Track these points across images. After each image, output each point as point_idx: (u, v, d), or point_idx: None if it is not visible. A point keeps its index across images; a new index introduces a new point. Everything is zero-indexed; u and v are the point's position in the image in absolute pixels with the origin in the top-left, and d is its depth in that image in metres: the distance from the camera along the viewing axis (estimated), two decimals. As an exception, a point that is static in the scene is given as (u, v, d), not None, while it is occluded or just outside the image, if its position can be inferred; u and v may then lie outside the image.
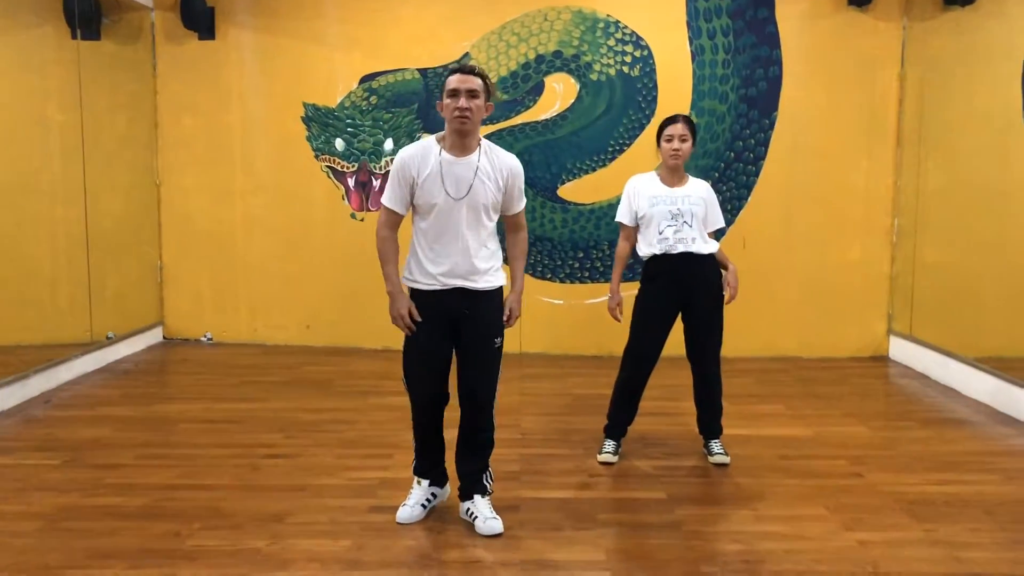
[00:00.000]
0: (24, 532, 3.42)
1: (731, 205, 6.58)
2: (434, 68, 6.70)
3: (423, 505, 3.58)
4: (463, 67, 3.30)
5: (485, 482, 3.55)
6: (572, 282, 6.72)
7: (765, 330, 6.65)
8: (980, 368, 5.60)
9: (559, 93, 6.58)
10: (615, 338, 6.76)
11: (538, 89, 6.59)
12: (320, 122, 6.84)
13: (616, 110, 6.51)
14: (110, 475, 4.06)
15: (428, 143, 3.36)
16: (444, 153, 3.31)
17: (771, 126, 6.53)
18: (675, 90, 6.50)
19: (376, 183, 6.83)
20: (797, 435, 4.78)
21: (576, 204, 6.67)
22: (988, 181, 6.01)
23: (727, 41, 6.47)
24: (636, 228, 4.25)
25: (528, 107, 6.61)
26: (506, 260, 3.54)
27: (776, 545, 3.35)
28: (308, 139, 6.88)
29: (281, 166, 6.94)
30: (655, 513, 3.66)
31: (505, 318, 3.48)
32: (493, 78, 6.64)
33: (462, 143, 3.30)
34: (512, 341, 6.69)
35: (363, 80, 6.77)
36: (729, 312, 6.52)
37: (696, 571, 3.12)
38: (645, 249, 4.20)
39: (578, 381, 5.96)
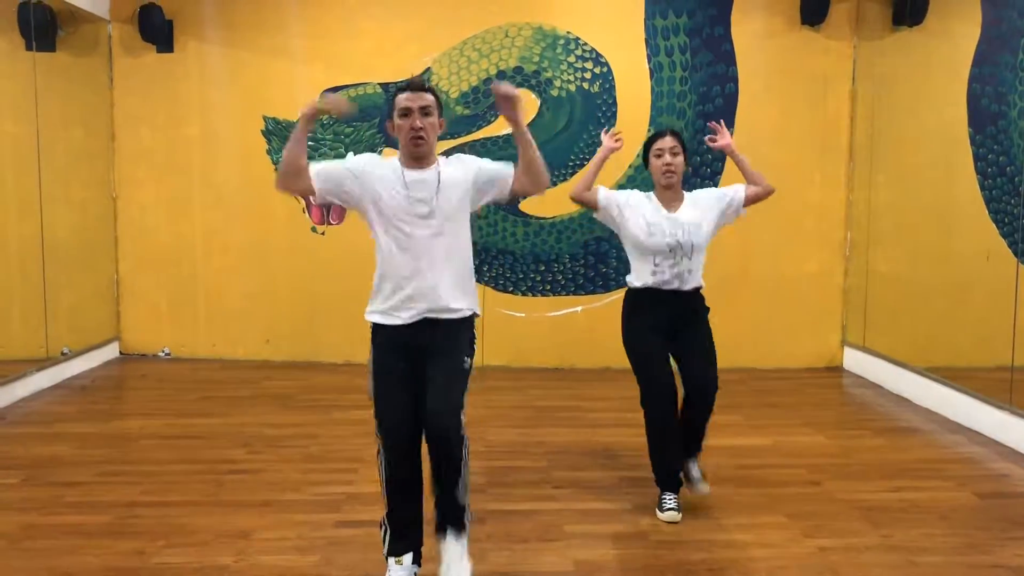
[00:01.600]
0: (-16, 552, 3.37)
1: (689, 219, 6.69)
2: (396, 82, 6.72)
3: None
4: (412, 83, 3.01)
5: (460, 504, 3.04)
6: (534, 295, 6.78)
7: (722, 341, 6.70)
8: (930, 378, 5.75)
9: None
10: (576, 351, 6.87)
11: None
12: (281, 136, 6.82)
13: (576, 125, 6.59)
14: (70, 493, 4.00)
15: (386, 159, 3.10)
16: (405, 169, 3.01)
17: (728, 142, 6.65)
18: (634, 106, 6.60)
19: (337, 197, 6.82)
20: (756, 444, 4.88)
21: (537, 218, 6.73)
22: (935, 195, 6.20)
23: (684, 59, 6.60)
24: (597, 201, 3.86)
25: (489, 122, 6.67)
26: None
27: (739, 553, 3.42)
28: (269, 153, 6.86)
29: (241, 180, 6.90)
30: (621, 523, 3.72)
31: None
32: (454, 94, 6.69)
33: (420, 163, 3.01)
34: (478, 353, 6.72)
35: (324, 94, 6.77)
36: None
37: (662, 580, 3.18)
38: (634, 280, 3.83)
39: (540, 393, 6.00)
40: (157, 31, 6.73)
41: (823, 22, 6.55)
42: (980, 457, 4.66)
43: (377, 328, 3.11)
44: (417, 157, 3.01)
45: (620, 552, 3.42)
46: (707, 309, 3.90)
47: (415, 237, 2.97)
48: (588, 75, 6.61)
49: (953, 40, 6.32)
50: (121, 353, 7.12)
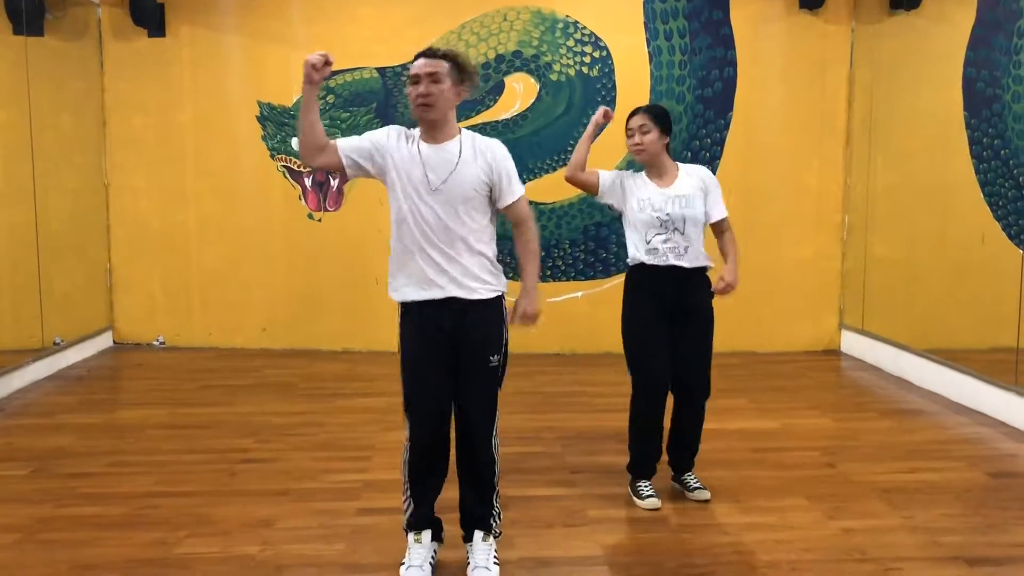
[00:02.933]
0: (2, 545, 3.30)
1: (688, 204, 6.70)
2: (393, 67, 6.66)
3: (431, 563, 3.07)
4: (427, 50, 2.96)
5: (493, 509, 3.12)
6: (534, 281, 6.75)
7: (722, 325, 6.71)
8: (931, 359, 5.80)
9: (519, 93, 6.60)
10: (577, 337, 6.86)
11: (498, 89, 6.61)
12: (276, 121, 6.74)
13: (576, 110, 6.56)
14: (83, 484, 3.94)
15: (407, 131, 3.05)
16: (422, 143, 2.97)
17: (726, 126, 6.67)
18: (633, 90, 6.57)
19: (334, 183, 6.76)
20: (766, 428, 4.89)
21: (537, 203, 6.70)
22: (932, 178, 6.24)
23: (684, 42, 6.59)
24: (597, 184, 3.81)
25: (488, 107, 6.62)
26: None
27: (764, 536, 3.43)
28: (264, 139, 6.78)
29: (236, 166, 6.82)
30: (641, 508, 3.71)
31: (511, 318, 3.13)
32: (452, 77, 6.62)
33: (434, 133, 2.96)
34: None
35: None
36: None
37: (691, 563, 3.18)
38: (632, 252, 3.77)
39: (545, 379, 5.99)
40: (149, 15, 6.62)
41: (821, 6, 6.56)
42: (987, 437, 4.71)
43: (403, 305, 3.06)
44: (428, 125, 2.95)
45: (645, 536, 3.42)
46: (711, 294, 3.80)
47: (424, 212, 2.93)
48: (587, 59, 6.57)
49: (949, 24, 6.35)
50: (115, 342, 7.02)
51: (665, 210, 3.66)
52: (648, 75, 6.60)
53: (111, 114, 6.83)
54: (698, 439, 3.85)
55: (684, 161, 6.66)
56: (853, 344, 6.78)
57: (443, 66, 2.91)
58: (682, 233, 3.67)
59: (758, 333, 6.84)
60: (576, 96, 6.59)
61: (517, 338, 6.62)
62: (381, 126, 6.51)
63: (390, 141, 3.00)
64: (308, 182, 6.78)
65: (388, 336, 6.75)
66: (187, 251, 6.90)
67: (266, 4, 6.68)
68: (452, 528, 3.23)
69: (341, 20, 6.65)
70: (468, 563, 3.07)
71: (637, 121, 3.75)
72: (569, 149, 6.60)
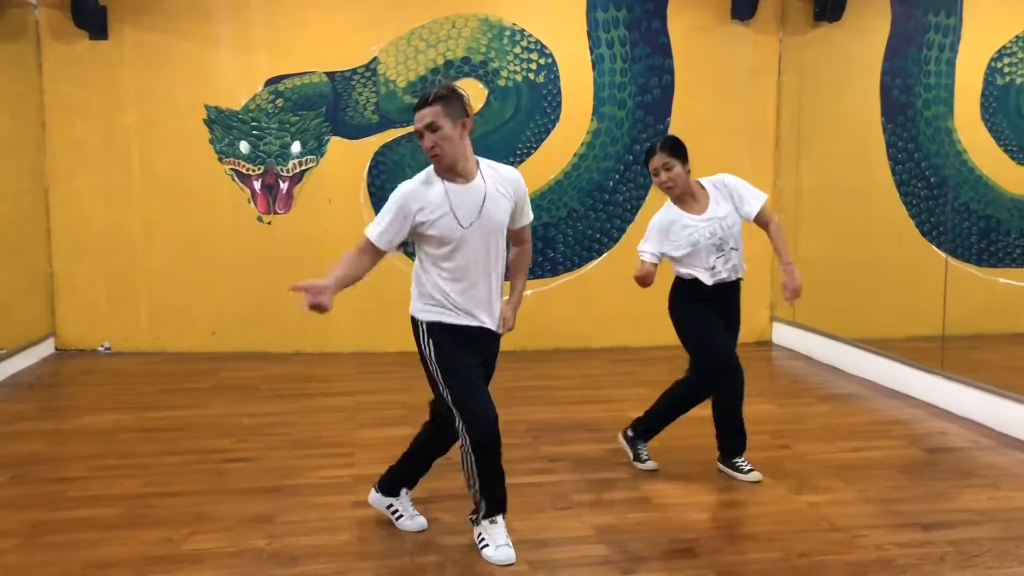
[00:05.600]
0: (5, 550, 3.32)
1: (630, 205, 7.01)
2: (342, 72, 6.75)
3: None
4: (418, 100, 3.11)
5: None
6: (484, 280, 6.93)
7: (665, 320, 7.09)
8: (860, 347, 6.25)
9: (467, 98, 6.77)
10: (526, 334, 7.04)
11: (447, 94, 6.77)
12: (224, 124, 6.75)
13: (523, 115, 6.79)
14: (69, 488, 3.96)
15: (428, 175, 3.17)
16: (447, 183, 3.12)
17: (665, 131, 6.99)
18: (578, 97, 6.84)
19: (284, 185, 6.81)
20: (719, 415, 5.20)
21: (487, 205, 6.89)
22: (854, 179, 6.71)
23: (624, 51, 6.88)
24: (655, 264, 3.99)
25: (438, 111, 6.77)
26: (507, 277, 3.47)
27: (739, 512, 3.72)
28: (211, 142, 6.77)
29: (183, 169, 6.79)
30: (622, 491, 3.96)
31: (498, 327, 3.38)
32: (401, 83, 6.77)
33: (456, 173, 3.12)
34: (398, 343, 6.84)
35: (269, 83, 6.73)
36: (635, 305, 6.91)
37: (679, 537, 3.43)
38: (688, 271, 3.99)
39: (504, 376, 6.13)
40: (90, 17, 6.53)
41: (752, 17, 6.95)
42: (919, 418, 5.14)
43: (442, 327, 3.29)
44: (447, 169, 3.11)
45: (632, 516, 3.66)
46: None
47: (463, 248, 3.15)
48: (534, 66, 6.81)
49: (867, 36, 6.83)
50: (57, 349, 6.90)
51: (716, 233, 3.91)
52: (592, 82, 6.87)
53: (51, 117, 6.71)
54: (741, 411, 4.17)
55: (627, 164, 7.01)
56: (784, 335, 7.21)
57: (436, 110, 3.03)
58: (736, 250, 3.97)
59: (697, 327, 7.18)
60: (523, 101, 6.81)
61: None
62: (331, 130, 6.71)
63: (413, 208, 3.13)
64: (257, 185, 6.81)
65: (340, 338, 6.89)
66: (132, 255, 6.83)
67: (212, 7, 6.68)
68: (451, 516, 3.40)
69: (290, 24, 6.70)
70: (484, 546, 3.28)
71: (659, 161, 3.90)
72: (517, 152, 6.82)
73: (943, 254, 6.20)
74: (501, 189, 3.19)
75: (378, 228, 3.16)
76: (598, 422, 5.00)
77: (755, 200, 4.02)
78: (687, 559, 3.25)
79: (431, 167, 3.19)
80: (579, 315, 7.10)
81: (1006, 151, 6.61)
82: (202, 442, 4.64)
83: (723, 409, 4.12)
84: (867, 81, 6.69)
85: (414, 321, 3.30)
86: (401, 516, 3.50)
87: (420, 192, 3.14)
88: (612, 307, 7.05)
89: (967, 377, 5.24)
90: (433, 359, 3.23)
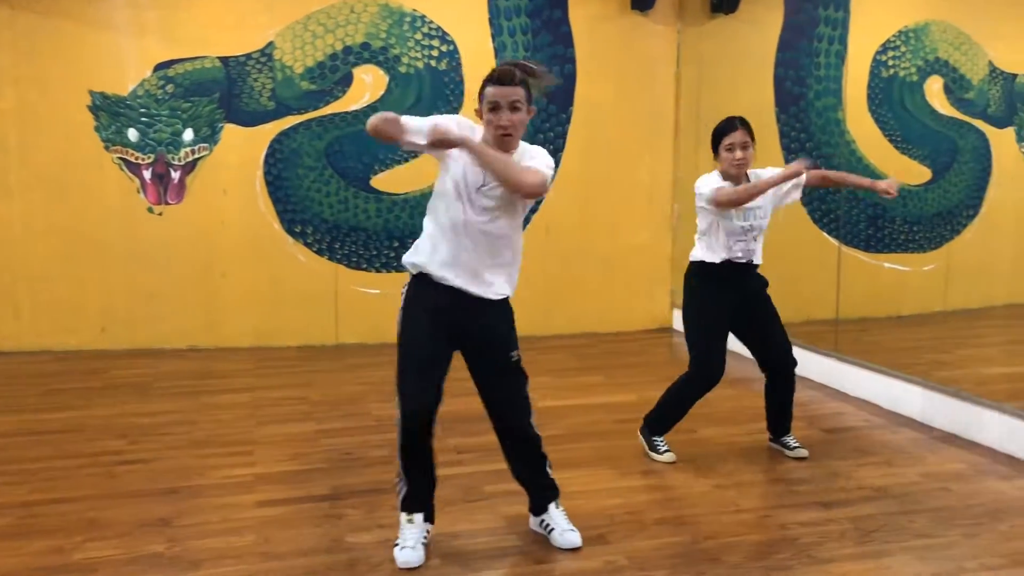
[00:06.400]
0: None
1: (534, 193, 7.01)
2: (236, 57, 6.51)
3: (423, 543, 3.14)
4: (503, 75, 2.95)
5: (551, 478, 3.34)
6: (388, 271, 6.83)
7: (569, 308, 7.16)
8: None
9: (368, 84, 6.65)
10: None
11: (347, 80, 6.62)
12: (110, 111, 6.43)
13: (425, 102, 6.69)
14: (-54, 498, 3.70)
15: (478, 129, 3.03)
16: None
17: (568, 120, 7.02)
18: (480, 83, 6.77)
19: (175, 175, 6.53)
20: (625, 401, 5.26)
21: (389, 194, 6.79)
22: (750, 169, 6.86)
23: (526, 39, 6.86)
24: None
25: (337, 98, 6.62)
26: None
27: (648, 496, 3.75)
28: (97, 130, 6.44)
29: (66, 158, 6.43)
30: (660, 461, 4.01)
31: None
32: (299, 69, 6.58)
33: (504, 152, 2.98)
34: (328, 332, 6.70)
35: (158, 67, 6.44)
36: (538, 294, 6.95)
37: (590, 524, 3.43)
38: (703, 254, 4.07)
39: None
40: (-40, -5, 6.12)
41: (651, 8, 7.02)
42: (816, 399, 5.30)
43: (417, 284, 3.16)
44: (504, 150, 2.97)
45: (543, 505, 3.65)
46: (766, 283, 4.23)
47: (473, 223, 3.02)
48: (435, 52, 6.72)
49: (762, 28, 7.01)
50: (-71, 350, 6.47)
51: (749, 219, 4.01)
52: (494, 69, 6.82)
53: (-83, 101, 6.27)
54: (792, 400, 4.31)
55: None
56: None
57: (521, 93, 2.95)
58: (757, 240, 4.07)
59: (600, 315, 7.25)
60: (425, 88, 6.72)
61: (371, 329, 6.70)
62: (225, 117, 6.48)
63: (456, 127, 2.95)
64: (147, 174, 6.52)
65: (237, 332, 6.67)
66: (11, 248, 6.44)
67: (95, -12, 6.35)
68: (359, 513, 3.32)
69: (180, 6, 6.42)
70: (550, 530, 3.27)
71: (740, 137, 3.96)
72: (419, 141, 6.72)
73: (835, 241, 6.42)
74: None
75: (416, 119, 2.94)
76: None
77: (794, 188, 4.20)
78: (599, 546, 3.25)
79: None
80: (484, 305, 7.05)
81: (891, 141, 6.90)
82: (93, 444, 4.41)
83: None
84: (762, 72, 6.87)
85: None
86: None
87: (467, 126, 3.02)
88: (518, 297, 7.00)
89: (858, 359, 5.44)
90: (399, 319, 3.15)
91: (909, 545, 3.26)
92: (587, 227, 7.15)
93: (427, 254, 3.10)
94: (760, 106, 6.79)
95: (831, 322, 5.89)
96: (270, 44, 6.54)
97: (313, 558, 3.15)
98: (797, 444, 4.28)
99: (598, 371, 5.95)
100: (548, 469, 3.35)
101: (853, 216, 6.82)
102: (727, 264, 4.04)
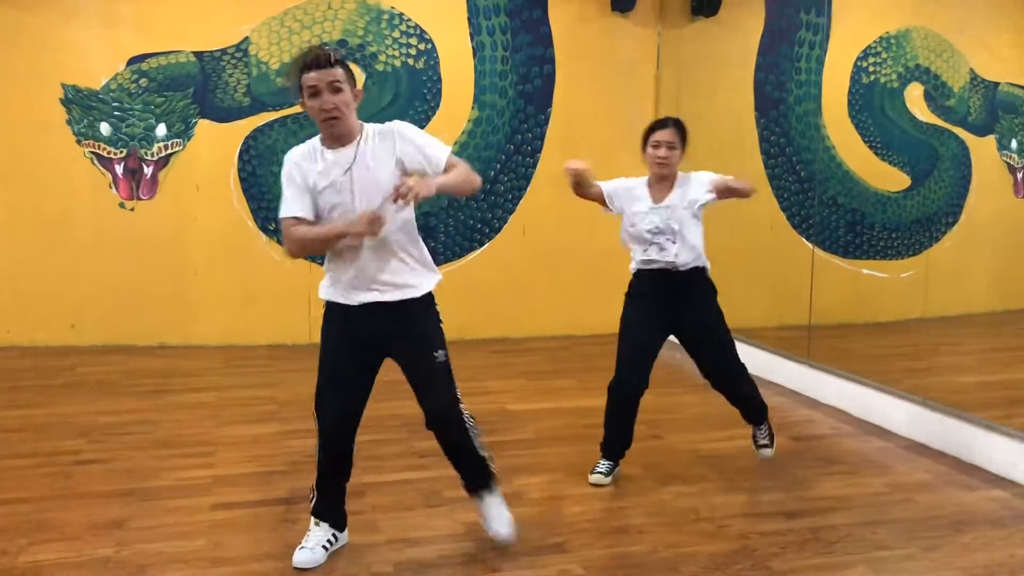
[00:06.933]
0: None
1: (511, 195, 6.96)
2: (211, 52, 6.45)
3: (324, 547, 3.14)
4: (318, 57, 2.82)
5: (487, 465, 3.24)
6: (362, 271, 6.76)
7: (544, 310, 7.12)
8: (734, 337, 6.35)
9: (345, 82, 6.58)
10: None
11: (323, 77, 6.55)
12: (82, 105, 6.35)
13: (402, 101, 6.64)
14: None
15: (312, 143, 2.97)
16: (327, 151, 2.92)
17: (546, 121, 6.98)
18: (458, 84, 6.74)
19: (148, 170, 6.46)
20: (595, 405, 5.12)
21: (364, 193, 6.72)
22: (728, 170, 6.75)
23: (505, 39, 6.82)
24: (602, 196, 4.03)
25: (313, 95, 6.55)
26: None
27: (609, 504, 3.72)
28: (69, 123, 6.36)
29: (37, 151, 6.35)
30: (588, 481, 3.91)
31: (397, 187, 2.78)
32: (274, 65, 6.52)
33: (339, 141, 2.91)
34: (301, 331, 6.64)
35: (131, 61, 6.37)
36: (513, 295, 6.91)
37: (551, 534, 3.39)
38: (632, 264, 3.97)
39: (382, 367, 6.04)
40: (-70, -16, 6.04)
41: (631, 9, 6.98)
42: (786, 406, 5.27)
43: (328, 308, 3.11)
44: (335, 136, 2.90)
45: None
46: (713, 290, 3.97)
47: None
48: (413, 51, 6.66)
49: (743, 32, 6.98)
50: None
51: (657, 223, 3.79)
52: (472, 69, 6.78)
53: None
54: (751, 394, 4.13)
55: (508, 154, 6.95)
56: (662, 326, 7.30)
57: (340, 73, 2.84)
58: (673, 243, 3.78)
59: (576, 317, 7.21)
60: (402, 87, 6.66)
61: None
62: (199, 113, 6.41)
63: (301, 173, 2.93)
64: (119, 169, 6.44)
65: (206, 330, 6.60)
66: (-21, 243, 6.37)
67: (68, -21, 6.27)
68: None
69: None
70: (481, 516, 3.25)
71: (667, 136, 3.77)
72: (395, 140, 6.67)
73: (811, 246, 6.39)
74: (378, 147, 2.92)
75: (289, 202, 2.94)
76: (475, 414, 4.91)
77: (706, 182, 3.84)
78: (556, 554, 3.21)
79: (314, 139, 2.98)
80: (459, 305, 6.97)
81: (871, 147, 6.87)
82: (51, 443, 4.34)
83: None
84: (741, 76, 6.83)
85: None
86: None
87: (304, 155, 2.96)
88: (493, 298, 7.00)
89: (830, 366, 5.41)
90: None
91: (870, 556, 3.23)
92: (564, 228, 7.10)
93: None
94: (740, 110, 6.76)
95: (804, 328, 5.86)
96: (246, 39, 6.48)
97: (264, 563, 3.10)
98: (765, 442, 4.18)
99: (571, 374, 5.91)
100: (477, 448, 3.24)
101: (831, 222, 6.79)
102: (643, 273, 3.89)
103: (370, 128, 2.98)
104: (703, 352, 4.03)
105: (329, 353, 3.11)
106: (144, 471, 3.98)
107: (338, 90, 2.84)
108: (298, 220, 2.93)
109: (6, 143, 6.31)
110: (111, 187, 6.47)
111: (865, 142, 6.84)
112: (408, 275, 3.05)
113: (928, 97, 6.88)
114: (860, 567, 3.13)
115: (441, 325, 3.18)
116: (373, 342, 3.07)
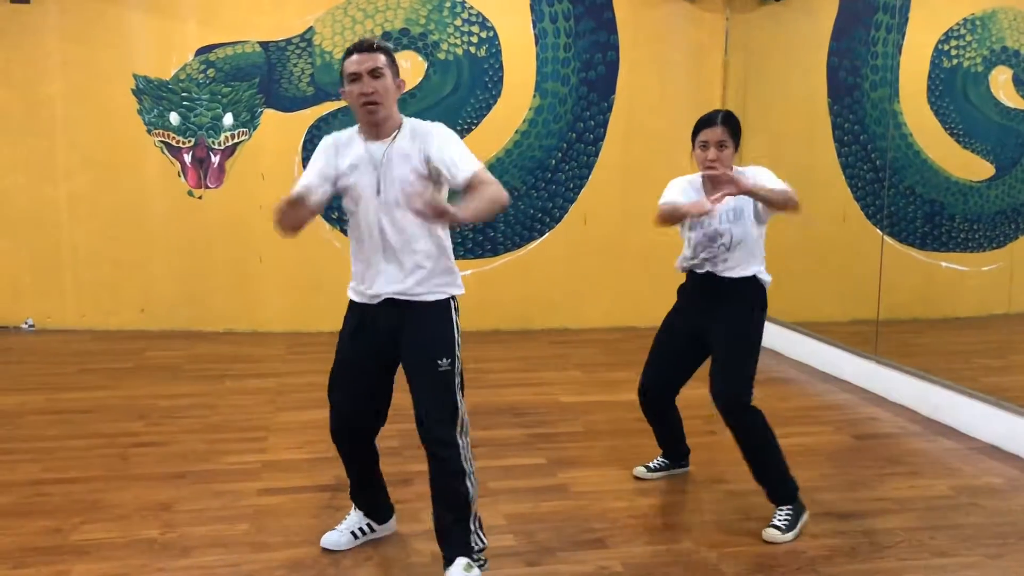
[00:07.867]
0: None
1: (572, 184, 6.88)
2: (276, 41, 6.53)
3: (354, 533, 3.15)
4: (361, 44, 2.80)
5: (470, 538, 2.91)
6: (422, 259, 6.78)
7: (605, 301, 7.03)
8: (798, 331, 6.19)
9: (407, 71, 6.59)
10: (467, 315, 6.90)
11: (385, 66, 6.57)
12: (153, 95, 6.50)
13: (464, 90, 6.62)
14: (-39, 474, 3.77)
15: (351, 131, 2.91)
16: (363, 142, 2.85)
17: (609, 109, 6.87)
18: (520, 71, 6.68)
19: (215, 159, 6.59)
20: (651, 399, 5.11)
21: (425, 182, 6.73)
22: (799, 161, 6.63)
23: (568, 25, 6.73)
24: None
25: (375, 85, 6.58)
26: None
27: (656, 500, 3.63)
28: (139, 112, 6.52)
29: (110, 141, 6.54)
30: (539, 478, 3.86)
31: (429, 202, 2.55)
32: (338, 54, 6.56)
33: (376, 130, 2.82)
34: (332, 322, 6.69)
35: (199, 52, 6.49)
36: (572, 285, 6.81)
37: (590, 528, 3.33)
38: (680, 262, 3.74)
39: (436, 357, 6.06)
40: (11, -21, 6.25)
41: (692, -6, 6.83)
42: (850, 403, 5.09)
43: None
44: (373, 124, 2.81)
45: (545, 505, 3.56)
46: (761, 306, 3.61)
47: (368, 215, 2.86)
48: (475, 39, 6.63)
49: (815, 15, 6.74)
50: (-23, 326, 6.66)
51: (714, 224, 3.46)
52: (534, 57, 6.71)
53: (-30, 84, 6.43)
54: (756, 452, 3.46)
55: (570, 143, 6.87)
56: (727, 318, 7.14)
57: (383, 59, 2.78)
58: (728, 249, 3.49)
59: (637, 308, 7.08)
60: (464, 76, 6.64)
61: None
62: (264, 102, 6.49)
63: (332, 152, 2.90)
64: (188, 158, 6.58)
65: (272, 317, 6.72)
66: (57, 229, 6.58)
67: (141, -28, 6.42)
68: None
69: (221, -9, 6.47)
70: None
71: (717, 134, 3.32)
72: (457, 128, 6.62)
73: (881, 236, 6.15)
74: (410, 147, 2.81)
75: (304, 175, 2.91)
76: (526, 406, 4.90)
77: (772, 182, 3.41)
78: (595, 550, 3.15)
79: (353, 128, 2.92)
80: (520, 296, 6.98)
81: (952, 135, 6.57)
82: (112, 425, 4.46)
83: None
84: (813, 61, 6.60)
85: None
86: None
87: (342, 139, 2.92)
88: (553, 288, 6.94)
89: (900, 362, 5.20)
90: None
91: (927, 564, 3.08)
92: (626, 218, 6.99)
93: None
94: (811, 96, 6.54)
95: (872, 322, 5.64)
96: (310, 29, 6.54)
97: (301, 549, 3.12)
98: (776, 522, 3.30)
99: (627, 367, 5.78)
100: (472, 523, 2.93)
101: (908, 213, 6.53)
102: (689, 274, 3.67)
103: (407, 126, 2.87)
104: (712, 362, 3.57)
105: (339, 351, 3.10)
106: (196, 455, 4.05)
107: (378, 76, 2.77)
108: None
109: (83, 133, 6.51)
110: (180, 175, 6.61)
111: (945, 129, 6.54)
112: (426, 280, 2.89)
113: (1016, 82, 6.55)
114: (914, 574, 2.99)
115: (457, 334, 2.94)
116: (384, 343, 2.94)
